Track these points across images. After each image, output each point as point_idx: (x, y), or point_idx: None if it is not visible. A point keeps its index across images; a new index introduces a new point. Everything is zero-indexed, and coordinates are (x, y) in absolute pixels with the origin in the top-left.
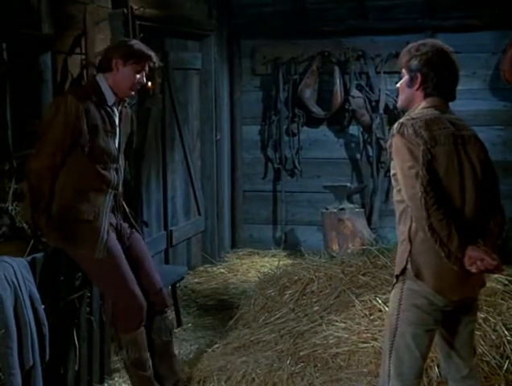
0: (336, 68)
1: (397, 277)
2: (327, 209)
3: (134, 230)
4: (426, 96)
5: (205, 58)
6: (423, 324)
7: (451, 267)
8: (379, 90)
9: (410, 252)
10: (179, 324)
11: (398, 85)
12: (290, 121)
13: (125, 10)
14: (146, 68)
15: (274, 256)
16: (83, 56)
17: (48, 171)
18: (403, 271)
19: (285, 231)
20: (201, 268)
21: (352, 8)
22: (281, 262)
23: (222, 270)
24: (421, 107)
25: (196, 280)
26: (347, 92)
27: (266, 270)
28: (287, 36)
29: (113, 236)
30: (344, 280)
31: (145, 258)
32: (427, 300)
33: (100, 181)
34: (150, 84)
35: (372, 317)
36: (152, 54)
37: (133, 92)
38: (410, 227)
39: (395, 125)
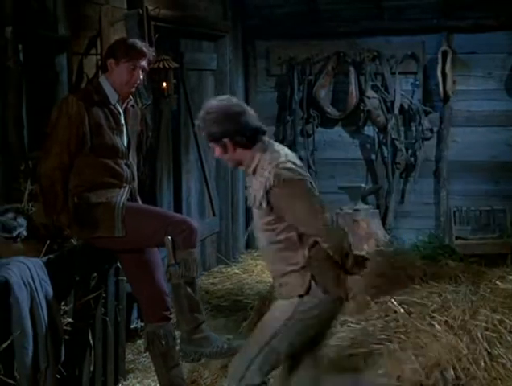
0: (352, 69)
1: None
2: (341, 210)
3: None
4: (251, 146)
5: (220, 59)
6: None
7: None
8: (394, 91)
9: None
10: None
11: (217, 155)
12: (305, 121)
13: (141, 11)
14: (141, 65)
15: None
16: (98, 57)
17: (58, 171)
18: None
19: None
20: (216, 269)
21: (367, 8)
22: None
23: (237, 271)
24: (260, 157)
25: (211, 280)
26: (362, 92)
27: None
28: (302, 37)
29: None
30: (360, 281)
31: (155, 261)
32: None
33: (112, 175)
34: (164, 84)
35: (387, 318)
36: (145, 50)
37: (132, 90)
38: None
39: (277, 174)
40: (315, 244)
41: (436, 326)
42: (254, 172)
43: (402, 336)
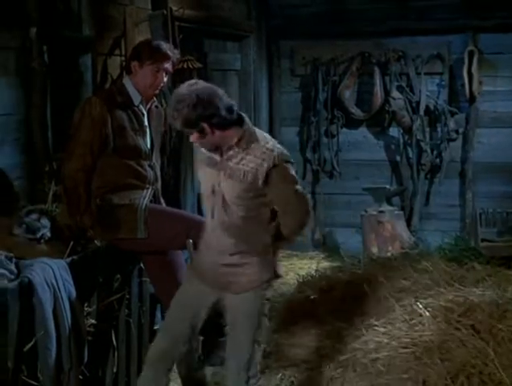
0: (376, 69)
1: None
2: (366, 211)
3: None
4: (230, 127)
5: (244, 59)
6: None
7: None
8: (420, 91)
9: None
10: None
11: (194, 140)
12: (329, 122)
13: (165, 12)
14: (165, 67)
15: (312, 258)
16: (122, 58)
17: (81, 173)
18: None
19: (323, 233)
20: None
21: (392, 8)
22: (320, 265)
23: None
24: (249, 133)
25: None
26: (387, 93)
27: (304, 273)
28: (327, 37)
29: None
30: (385, 284)
31: (178, 262)
32: None
33: (135, 177)
34: None
35: (412, 322)
36: (169, 53)
37: (156, 92)
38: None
39: (277, 155)
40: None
41: (462, 330)
42: (244, 148)
43: (428, 340)
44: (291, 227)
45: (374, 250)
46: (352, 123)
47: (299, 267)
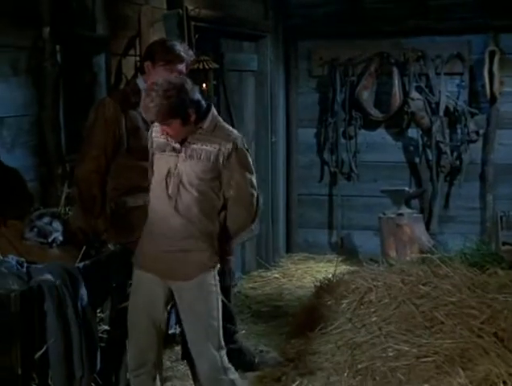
0: (395, 70)
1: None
2: (384, 214)
3: None
4: (207, 113)
5: (261, 59)
6: None
7: None
8: (439, 92)
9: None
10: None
11: (171, 131)
12: (347, 123)
13: (180, 11)
14: (179, 69)
15: (329, 261)
16: (137, 58)
17: (95, 175)
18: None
19: (341, 235)
20: (255, 273)
21: (412, 7)
22: (337, 269)
23: (277, 275)
24: (217, 118)
25: (250, 285)
26: (406, 93)
27: (321, 277)
28: (345, 37)
29: None
30: (404, 290)
31: None
32: None
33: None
34: (204, 85)
35: (433, 329)
36: (183, 55)
37: None
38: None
39: (240, 140)
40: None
41: (485, 337)
42: (211, 130)
43: (449, 348)
44: (236, 219)
45: (393, 254)
46: (370, 124)
47: (315, 270)
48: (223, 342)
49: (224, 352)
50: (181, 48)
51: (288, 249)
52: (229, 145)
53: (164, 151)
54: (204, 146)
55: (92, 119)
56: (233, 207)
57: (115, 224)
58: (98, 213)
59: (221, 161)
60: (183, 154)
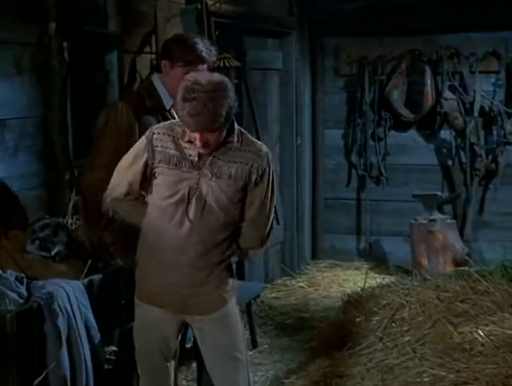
0: (427, 68)
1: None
2: (416, 220)
3: None
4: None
5: (286, 57)
6: None
7: None
8: (474, 91)
9: None
10: (255, 345)
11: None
12: (376, 124)
13: (199, 6)
14: (202, 68)
15: (357, 268)
16: (153, 56)
17: (103, 184)
18: None
19: (369, 242)
20: (279, 281)
21: (445, 2)
22: (365, 278)
23: (302, 284)
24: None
25: (274, 294)
26: (438, 93)
27: (349, 287)
28: (374, 33)
29: None
30: (440, 307)
31: None
32: None
33: None
34: None
35: (473, 352)
36: (205, 56)
37: None
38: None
39: (270, 155)
40: None
41: None
42: (240, 144)
43: (491, 374)
44: (248, 240)
45: (424, 262)
46: (400, 125)
47: (343, 279)
48: (251, 377)
49: None
50: (203, 47)
51: (314, 256)
52: (262, 162)
53: (177, 166)
54: (233, 163)
55: (102, 124)
56: (248, 228)
57: (123, 238)
58: (105, 224)
59: (253, 180)
60: (206, 172)
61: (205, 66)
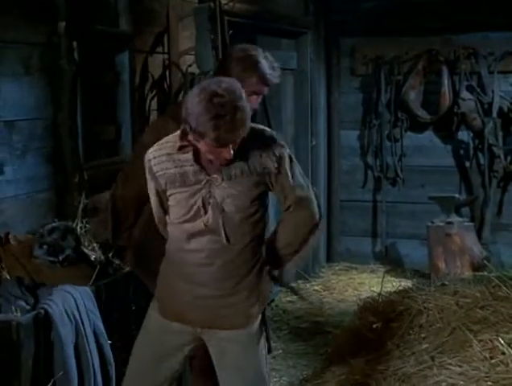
0: (444, 68)
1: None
2: (433, 222)
3: None
4: None
5: (301, 57)
6: None
7: None
8: (492, 91)
9: None
10: (269, 351)
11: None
12: (392, 125)
13: (212, 5)
14: (261, 91)
15: (373, 271)
16: (165, 56)
17: (136, 201)
18: None
19: (385, 244)
20: (294, 285)
21: (462, 1)
22: (381, 282)
23: (317, 287)
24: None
25: (289, 298)
26: (456, 93)
27: (364, 290)
28: (390, 33)
29: None
30: (459, 313)
31: None
32: None
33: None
34: None
35: (493, 361)
36: (269, 77)
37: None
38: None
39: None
40: None
41: None
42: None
43: None
44: (297, 228)
45: (441, 265)
46: (417, 126)
47: (358, 282)
48: None
49: None
50: (267, 67)
51: (329, 258)
52: (274, 148)
53: (183, 183)
54: (241, 158)
55: (147, 138)
56: (293, 213)
57: (137, 251)
58: (125, 229)
59: (272, 168)
60: (216, 177)
61: (267, 89)
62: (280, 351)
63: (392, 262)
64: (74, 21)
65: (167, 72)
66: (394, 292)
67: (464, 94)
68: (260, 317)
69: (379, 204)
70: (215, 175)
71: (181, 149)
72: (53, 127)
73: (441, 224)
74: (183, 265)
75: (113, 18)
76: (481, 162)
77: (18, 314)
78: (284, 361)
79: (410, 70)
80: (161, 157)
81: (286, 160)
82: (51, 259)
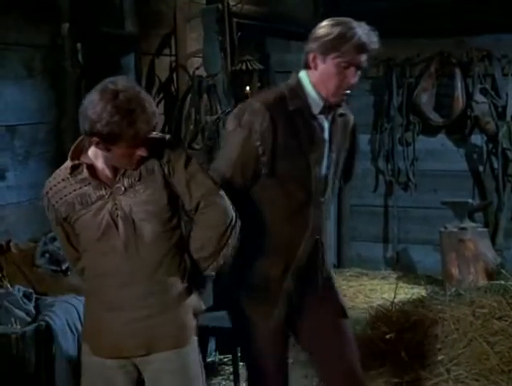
0: (457, 70)
1: None
2: (446, 228)
3: None
4: None
5: None
6: None
7: None
8: (506, 94)
9: None
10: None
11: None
12: (404, 128)
13: (221, 6)
14: (359, 61)
15: (384, 278)
16: (172, 58)
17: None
18: None
19: (397, 250)
20: None
21: (475, 2)
22: (394, 292)
23: None
24: None
25: None
26: (469, 96)
27: (376, 297)
28: (402, 35)
29: None
30: (475, 324)
31: None
32: None
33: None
34: (248, 88)
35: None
36: (367, 43)
37: (343, 97)
38: None
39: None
40: None
41: None
42: None
43: None
44: (204, 238)
45: (455, 271)
46: (429, 130)
47: (369, 288)
48: None
49: None
50: (364, 33)
51: (339, 264)
52: (166, 150)
53: (86, 206)
54: (139, 163)
55: (233, 126)
56: (203, 214)
57: None
58: None
59: (166, 170)
60: (119, 186)
61: (365, 57)
62: (291, 361)
63: (403, 268)
64: (78, 22)
65: (174, 75)
66: (408, 301)
67: (478, 97)
68: (196, 342)
69: (391, 209)
70: (117, 185)
71: (74, 169)
72: (57, 131)
73: (454, 230)
74: (103, 293)
75: (118, 19)
76: (495, 166)
77: (18, 326)
78: (294, 371)
79: (422, 72)
80: (57, 186)
81: (181, 161)
82: (54, 268)
